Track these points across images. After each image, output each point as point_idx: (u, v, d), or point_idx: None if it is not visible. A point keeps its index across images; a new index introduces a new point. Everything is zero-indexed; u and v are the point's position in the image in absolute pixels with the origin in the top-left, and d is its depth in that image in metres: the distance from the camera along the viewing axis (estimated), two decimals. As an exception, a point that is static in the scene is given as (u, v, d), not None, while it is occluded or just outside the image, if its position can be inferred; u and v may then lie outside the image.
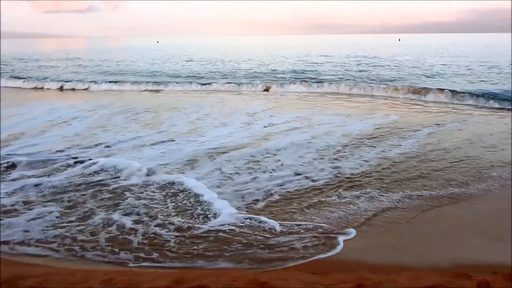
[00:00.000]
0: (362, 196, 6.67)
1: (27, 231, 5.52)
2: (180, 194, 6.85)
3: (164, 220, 5.86)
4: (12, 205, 6.35)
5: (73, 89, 22.63)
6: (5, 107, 15.35)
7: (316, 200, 6.52)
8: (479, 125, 12.00)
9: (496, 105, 15.18)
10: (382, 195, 6.66)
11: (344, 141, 9.99)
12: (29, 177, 7.58)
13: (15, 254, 5.02)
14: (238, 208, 6.25)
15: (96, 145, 9.98)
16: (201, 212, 6.16)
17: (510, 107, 14.64)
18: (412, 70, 27.12)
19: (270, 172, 7.80)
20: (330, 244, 5.18)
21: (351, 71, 27.10)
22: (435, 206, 6.25)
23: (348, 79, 22.58)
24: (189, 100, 17.80)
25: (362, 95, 18.61)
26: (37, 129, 11.64)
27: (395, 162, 8.34)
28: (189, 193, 6.86)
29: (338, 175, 7.63)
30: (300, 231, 5.52)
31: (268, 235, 5.43)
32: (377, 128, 11.33)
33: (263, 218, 5.88)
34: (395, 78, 22.71)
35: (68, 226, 5.70)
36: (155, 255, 4.99)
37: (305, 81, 21.83)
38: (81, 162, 8.38)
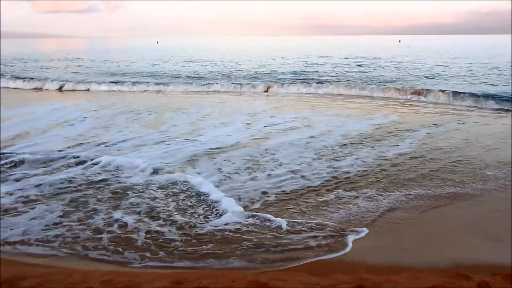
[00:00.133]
0: (360, 196, 6.67)
1: (28, 230, 5.52)
2: (185, 192, 6.88)
3: (171, 219, 5.87)
4: (13, 204, 6.36)
5: (74, 90, 22.64)
6: (7, 108, 15.36)
7: (313, 200, 6.53)
8: (478, 125, 12.03)
9: (495, 105, 15.23)
10: (381, 196, 6.66)
11: (343, 141, 10.02)
12: (31, 176, 7.59)
13: (16, 254, 5.01)
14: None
15: (97, 144, 10.00)
16: (207, 211, 6.18)
17: (509, 108, 14.68)
18: (412, 71, 27.15)
19: (269, 172, 7.81)
20: (339, 243, 5.18)
21: (351, 72, 27.13)
22: (434, 207, 6.25)
23: (348, 80, 22.59)
24: (189, 100, 17.81)
25: (362, 96, 18.63)
26: (40, 129, 11.65)
27: (395, 162, 8.35)
28: (196, 192, 6.89)
29: (337, 175, 7.64)
30: (307, 230, 5.52)
31: (276, 234, 5.45)
32: (377, 129, 11.36)
33: (269, 216, 5.90)
34: (395, 79, 22.73)
35: (70, 225, 5.70)
36: (161, 254, 4.98)
37: (305, 82, 21.85)
38: (84, 161, 8.42)
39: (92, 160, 8.45)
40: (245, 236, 5.39)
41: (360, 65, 31.88)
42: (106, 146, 9.87)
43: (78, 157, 8.74)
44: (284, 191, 6.92)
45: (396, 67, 29.91)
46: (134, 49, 70.24)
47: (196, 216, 6.00)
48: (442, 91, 17.52)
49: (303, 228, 5.59)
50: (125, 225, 5.70)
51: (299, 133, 10.91)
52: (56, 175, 7.63)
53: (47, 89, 23.03)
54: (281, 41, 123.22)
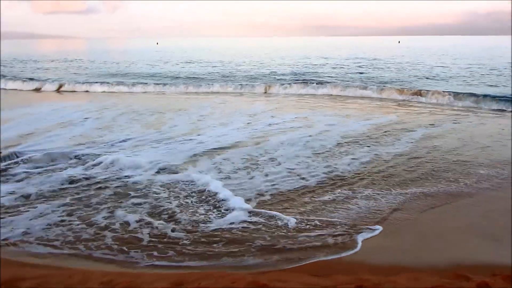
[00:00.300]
0: (358, 196, 6.68)
1: (28, 230, 5.51)
2: (190, 190, 6.93)
3: (177, 217, 5.91)
4: (14, 203, 6.37)
5: (74, 91, 22.62)
6: (9, 109, 15.38)
7: (309, 200, 6.55)
8: (477, 125, 12.08)
9: (494, 106, 15.28)
10: (381, 196, 6.66)
11: (341, 141, 10.06)
12: (33, 175, 7.62)
13: (16, 253, 5.00)
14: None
15: (100, 144, 10.06)
16: (214, 209, 6.22)
17: (507, 108, 14.73)
18: (411, 72, 27.18)
19: (267, 171, 7.86)
20: (339, 243, 5.18)
21: (350, 73, 27.14)
22: (432, 207, 6.27)
23: (348, 81, 22.61)
24: (190, 101, 17.85)
25: (362, 97, 18.67)
26: (43, 129, 11.69)
27: (394, 162, 8.36)
28: (202, 190, 6.94)
29: (336, 174, 7.67)
30: (307, 229, 5.53)
31: (284, 232, 5.49)
32: (375, 129, 11.41)
33: (278, 214, 5.94)
34: (394, 80, 22.75)
35: (71, 224, 5.70)
36: (171, 253, 4.98)
37: (305, 82, 21.87)
38: (86, 161, 8.48)
39: (94, 159, 8.50)
40: (255, 235, 5.40)
41: (359, 66, 31.89)
42: (108, 145, 9.93)
43: (80, 156, 8.79)
44: (279, 189, 6.96)
45: (395, 68, 29.95)
46: (134, 50, 70.23)
47: (204, 215, 6.02)
48: (441, 91, 17.55)
49: (306, 227, 5.59)
50: (128, 224, 5.70)
51: (298, 133, 10.95)
52: (59, 174, 7.65)
53: (47, 90, 23.02)
54: (281, 42, 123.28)
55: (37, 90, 23.27)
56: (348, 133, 10.83)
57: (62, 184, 7.19)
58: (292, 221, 5.74)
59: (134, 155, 9.01)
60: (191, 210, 6.17)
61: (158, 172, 7.86)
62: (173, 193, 6.82)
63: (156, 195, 6.73)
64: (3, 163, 8.30)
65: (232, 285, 3.88)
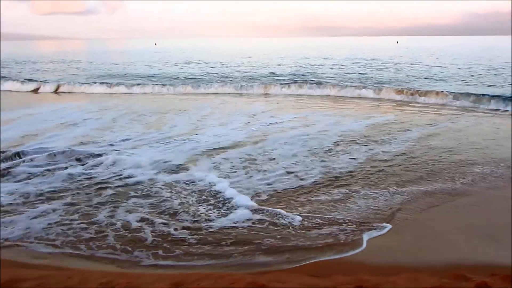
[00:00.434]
0: (356, 196, 6.68)
1: (28, 229, 5.51)
2: (195, 189, 6.97)
3: (180, 216, 5.94)
4: (14, 203, 6.36)
5: (73, 92, 22.58)
6: (10, 110, 15.35)
7: (306, 200, 6.55)
8: (475, 125, 12.10)
9: (493, 106, 15.33)
10: (380, 196, 6.66)
11: (339, 140, 10.11)
12: (34, 174, 7.64)
13: (17, 254, 4.99)
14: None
15: (101, 144, 10.09)
16: (221, 207, 6.25)
17: (507, 108, 14.75)
18: (410, 72, 27.20)
19: (265, 171, 7.90)
20: (338, 243, 5.19)
21: (349, 73, 27.16)
22: (433, 207, 6.26)
23: (347, 81, 22.62)
24: (189, 102, 17.86)
25: (360, 97, 18.70)
26: (45, 129, 11.70)
27: (393, 162, 8.38)
28: (210, 189, 6.97)
29: (335, 174, 7.68)
30: (307, 230, 5.54)
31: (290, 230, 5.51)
32: (373, 128, 11.46)
33: (282, 211, 5.97)
34: (393, 80, 22.77)
35: (72, 224, 5.69)
36: (177, 252, 4.99)
37: (304, 82, 21.87)
38: (87, 160, 8.51)
39: (95, 159, 8.52)
40: (262, 233, 5.42)
41: (358, 66, 31.90)
42: (109, 145, 9.96)
43: (81, 156, 8.82)
44: (276, 189, 6.99)
45: (394, 68, 29.97)
46: (133, 51, 70.19)
47: (205, 213, 6.04)
48: (439, 91, 17.58)
49: (310, 226, 5.59)
50: (129, 223, 5.70)
51: (297, 133, 10.97)
52: (60, 174, 7.66)
53: (46, 91, 22.96)
54: (280, 43, 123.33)
55: (35, 91, 23.20)
56: (347, 133, 10.87)
57: (63, 184, 7.19)
58: (296, 219, 5.78)
59: (135, 154, 9.04)
60: (193, 209, 6.18)
61: (158, 172, 7.85)
62: (179, 193, 6.82)
63: (158, 194, 6.74)
64: (5, 164, 8.29)
65: (231, 285, 3.88)
